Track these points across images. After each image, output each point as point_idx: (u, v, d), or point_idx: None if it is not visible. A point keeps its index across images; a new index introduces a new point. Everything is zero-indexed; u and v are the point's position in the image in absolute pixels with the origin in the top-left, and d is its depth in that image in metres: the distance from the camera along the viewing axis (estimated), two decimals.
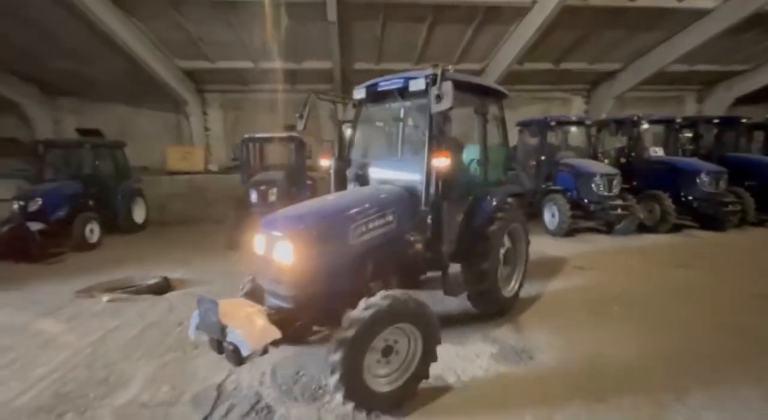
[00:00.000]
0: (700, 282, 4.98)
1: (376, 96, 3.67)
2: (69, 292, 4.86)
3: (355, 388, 2.28)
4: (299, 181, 7.96)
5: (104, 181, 8.48)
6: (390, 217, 3.01)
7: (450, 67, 3.29)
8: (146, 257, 6.87)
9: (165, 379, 2.89)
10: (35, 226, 6.68)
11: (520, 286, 4.11)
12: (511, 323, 3.79)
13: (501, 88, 4.12)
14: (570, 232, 7.48)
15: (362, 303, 2.36)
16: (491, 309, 3.76)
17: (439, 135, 3.10)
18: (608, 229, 7.80)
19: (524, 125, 9.15)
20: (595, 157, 8.46)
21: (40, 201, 6.95)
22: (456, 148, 3.82)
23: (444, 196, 3.16)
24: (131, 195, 9.06)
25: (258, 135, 8.14)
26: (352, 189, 3.66)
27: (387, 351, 2.50)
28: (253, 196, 7.01)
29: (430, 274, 3.56)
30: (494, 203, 3.66)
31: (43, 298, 4.70)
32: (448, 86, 2.68)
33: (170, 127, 12.91)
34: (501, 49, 10.77)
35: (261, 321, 2.36)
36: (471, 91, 3.64)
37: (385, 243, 2.96)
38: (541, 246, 6.92)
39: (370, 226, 2.86)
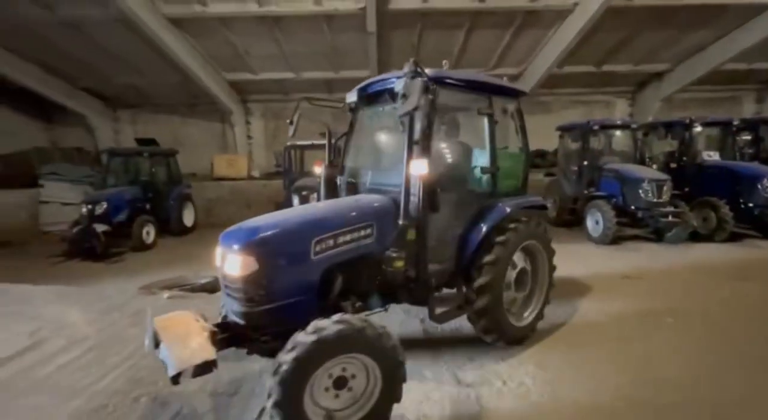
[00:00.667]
0: (762, 297, 4.67)
1: (369, 99, 3.42)
2: (132, 288, 5.28)
3: (292, 418, 2.01)
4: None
5: (159, 187, 9.11)
6: (368, 231, 2.74)
7: (445, 63, 3.18)
8: (196, 258, 7.30)
9: (225, 371, 3.09)
10: (100, 227, 7.29)
11: (538, 315, 3.56)
12: (530, 351, 3.34)
13: (515, 85, 3.68)
14: (615, 240, 7.19)
15: (311, 325, 2.07)
16: (497, 337, 3.25)
17: (424, 138, 2.71)
18: (657, 237, 7.43)
19: (565, 130, 8.93)
20: (642, 162, 8.10)
21: (105, 205, 7.58)
22: (460, 153, 3.52)
23: (431, 207, 2.81)
24: (182, 199, 9.66)
25: (299, 142, 8.48)
26: (333, 199, 3.40)
27: (341, 383, 2.18)
28: (295, 201, 7.30)
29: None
30: (502, 213, 3.22)
31: (109, 294, 5.11)
32: (414, 84, 2.45)
33: (216, 135, 13.68)
34: (540, 53, 10.61)
35: (197, 340, 2.20)
36: (471, 89, 3.26)
37: (360, 259, 2.73)
38: (583, 254, 6.73)
39: (340, 240, 2.61)
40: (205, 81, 10.63)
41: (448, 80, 3.05)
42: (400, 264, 2.67)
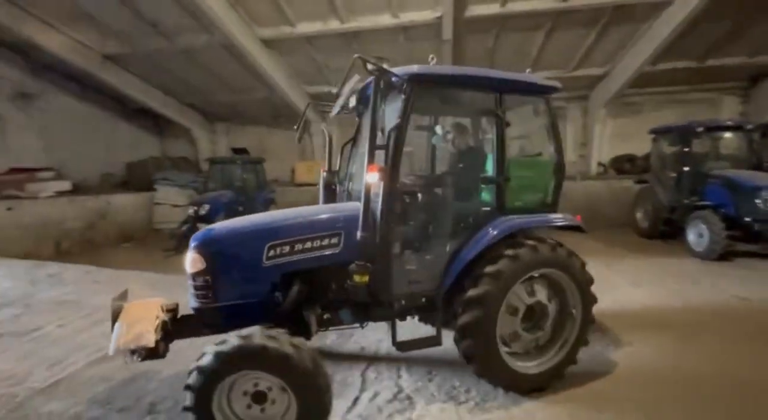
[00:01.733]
0: None
1: (368, 100, 3.12)
2: None
3: None
4: None
5: (249, 191, 10.09)
6: (334, 240, 2.59)
7: (432, 57, 2.78)
8: None
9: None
10: (203, 227, 8.29)
11: (568, 360, 2.87)
12: (546, 402, 2.70)
13: (541, 80, 3.05)
14: (724, 256, 6.37)
15: (223, 337, 2.08)
16: (494, 381, 2.79)
17: (393, 143, 2.50)
18: None
19: (661, 132, 8.15)
20: (758, 168, 7.09)
21: (207, 207, 8.61)
22: (470, 161, 3.23)
23: (400, 219, 2.62)
24: (267, 203, 10.58)
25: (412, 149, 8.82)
26: (311, 206, 3.20)
27: (260, 397, 2.12)
28: None
29: None
30: (488, 236, 2.67)
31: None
32: (350, 83, 2.34)
33: (297, 144, 14.73)
34: (629, 51, 9.81)
35: (143, 326, 2.31)
36: (468, 87, 2.92)
37: (326, 268, 2.63)
38: (683, 270, 6.07)
39: (299, 247, 2.53)
40: (290, 95, 11.54)
41: (430, 78, 2.71)
42: (360, 278, 2.45)
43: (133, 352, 2.28)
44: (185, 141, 14.74)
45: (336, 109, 3.03)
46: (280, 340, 2.06)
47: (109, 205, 10.29)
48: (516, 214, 2.83)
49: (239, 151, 10.93)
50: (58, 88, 11.36)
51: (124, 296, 2.67)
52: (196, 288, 2.45)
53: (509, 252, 2.62)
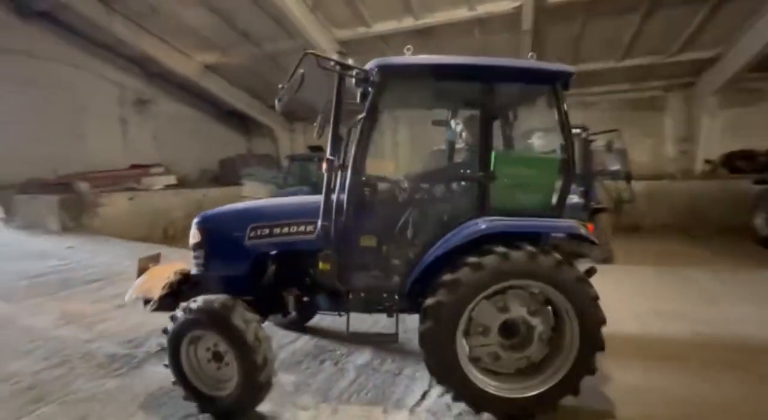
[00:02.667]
0: None
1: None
2: None
3: (179, 378, 2.49)
4: None
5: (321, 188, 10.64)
6: (310, 227, 2.61)
7: (409, 48, 2.56)
8: None
9: (389, 355, 3.44)
10: None
11: (559, 390, 2.43)
12: None
13: (545, 65, 2.62)
14: None
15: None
16: (458, 399, 2.47)
17: (358, 136, 2.57)
18: None
19: None
20: None
21: None
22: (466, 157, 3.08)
23: (361, 212, 2.59)
24: None
25: (445, 147, 8.70)
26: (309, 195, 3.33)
27: (218, 357, 2.45)
28: None
29: None
30: (465, 234, 2.41)
31: None
32: (296, 77, 2.40)
33: (373, 141, 15.14)
34: (751, 29, 8.38)
35: (154, 283, 2.76)
36: (453, 77, 2.70)
37: (300, 253, 2.74)
38: None
39: (277, 231, 2.70)
40: None
41: (399, 69, 2.57)
42: (323, 265, 2.53)
43: (146, 302, 2.74)
44: (268, 140, 15.99)
45: (279, 106, 2.89)
46: (234, 310, 2.37)
47: (205, 197, 11.58)
48: (506, 217, 2.46)
49: (315, 148, 11.52)
50: (166, 94, 13.07)
51: (154, 259, 3.16)
52: (194, 258, 2.85)
53: (472, 259, 2.32)
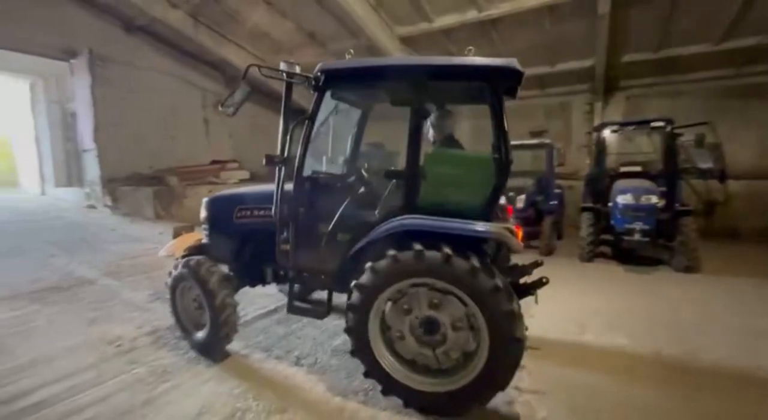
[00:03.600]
0: None
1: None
2: None
3: (175, 318, 3.40)
4: (547, 189, 7.68)
5: None
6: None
7: (350, 52, 2.79)
8: None
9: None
10: None
11: (480, 383, 2.38)
12: None
13: (485, 61, 2.56)
14: None
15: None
16: (369, 376, 2.65)
17: (303, 135, 2.93)
18: None
19: None
20: None
21: None
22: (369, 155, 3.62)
23: (302, 202, 2.93)
24: None
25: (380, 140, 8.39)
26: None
27: (200, 303, 3.20)
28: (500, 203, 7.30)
29: None
30: (380, 232, 2.55)
31: None
32: (240, 90, 2.75)
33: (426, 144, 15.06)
34: None
35: (180, 245, 3.70)
36: (386, 77, 2.84)
37: (270, 234, 3.08)
38: None
39: (255, 213, 3.19)
40: None
41: (336, 73, 2.85)
42: (281, 247, 3.02)
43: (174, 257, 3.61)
44: None
45: (231, 110, 2.94)
46: (203, 265, 3.14)
47: None
48: (433, 215, 2.47)
49: (375, 145, 11.79)
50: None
51: (187, 228, 4.26)
52: (203, 230, 3.50)
53: (391, 252, 2.45)
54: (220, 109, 2.98)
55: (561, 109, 11.99)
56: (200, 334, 3.20)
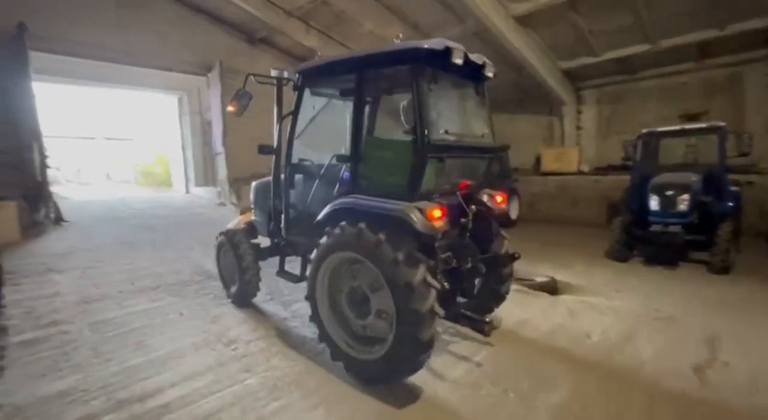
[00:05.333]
0: None
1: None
2: None
3: (219, 273, 4.56)
4: (720, 186, 5.90)
5: (492, 181, 9.86)
6: None
7: (399, 35, 3.03)
8: (522, 251, 7.34)
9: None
10: None
11: (392, 360, 2.59)
12: None
13: (403, 45, 2.72)
14: None
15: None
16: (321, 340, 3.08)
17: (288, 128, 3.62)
18: None
19: None
20: None
21: None
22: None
23: (290, 185, 3.65)
24: (510, 193, 10.09)
25: (662, 128, 6.72)
26: None
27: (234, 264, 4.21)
28: (654, 203, 5.84)
29: None
30: (327, 210, 2.97)
31: None
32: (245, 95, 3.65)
33: (543, 128, 13.44)
34: None
35: (240, 221, 4.60)
36: (341, 71, 3.12)
37: None
38: None
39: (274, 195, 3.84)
40: (542, 74, 10.49)
41: (308, 71, 3.39)
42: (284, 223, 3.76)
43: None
44: None
45: (234, 109, 3.77)
46: (235, 234, 4.20)
47: None
48: (372, 196, 2.79)
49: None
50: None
51: (249, 209, 4.55)
52: (252, 209, 4.43)
53: (328, 229, 2.87)
54: (228, 110, 3.77)
55: (728, 84, 9.45)
56: (233, 288, 4.25)
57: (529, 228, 10.09)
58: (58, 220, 8.28)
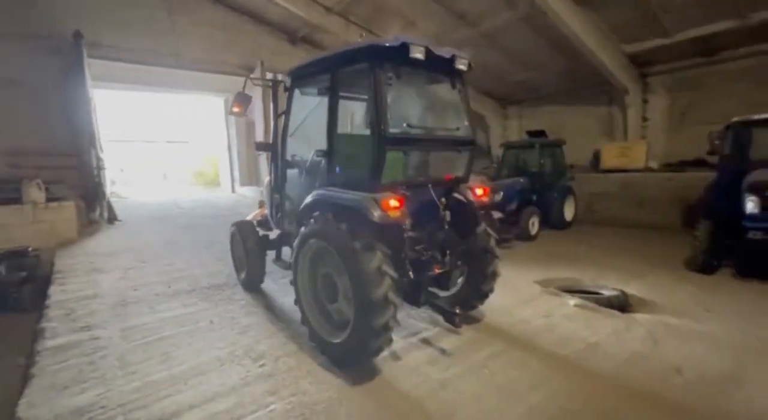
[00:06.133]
0: None
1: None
2: (529, 279, 5.18)
3: (233, 259, 5.07)
4: None
5: (545, 178, 9.04)
6: None
7: (362, 34, 3.86)
8: (576, 255, 6.57)
9: None
10: (496, 214, 8.01)
11: (353, 344, 2.80)
12: None
13: (365, 42, 2.89)
14: None
15: None
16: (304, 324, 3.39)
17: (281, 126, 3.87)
18: None
19: None
20: None
21: (501, 194, 8.27)
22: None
23: (283, 178, 3.95)
24: (565, 192, 9.20)
25: (757, 116, 5.64)
26: None
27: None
28: (750, 205, 4.87)
29: None
30: (308, 201, 3.21)
31: (513, 282, 5.18)
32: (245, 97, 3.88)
33: (600, 121, 12.25)
34: None
35: (257, 214, 4.94)
36: (319, 71, 3.31)
37: None
38: None
39: None
40: (601, 59, 9.45)
41: (295, 73, 3.64)
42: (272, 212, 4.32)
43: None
44: (478, 128, 15.29)
45: (239, 110, 3.91)
46: (243, 225, 4.68)
47: None
48: (343, 188, 2.94)
49: (536, 133, 9.97)
50: None
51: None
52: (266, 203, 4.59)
53: (306, 220, 3.15)
54: (234, 111, 3.90)
55: None
56: (243, 274, 4.63)
57: (586, 231, 9.16)
58: (112, 219, 8.65)
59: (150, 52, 10.24)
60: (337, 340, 2.91)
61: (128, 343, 3.38)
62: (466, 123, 3.34)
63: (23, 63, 8.45)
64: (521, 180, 8.88)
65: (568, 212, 9.32)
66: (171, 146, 25.30)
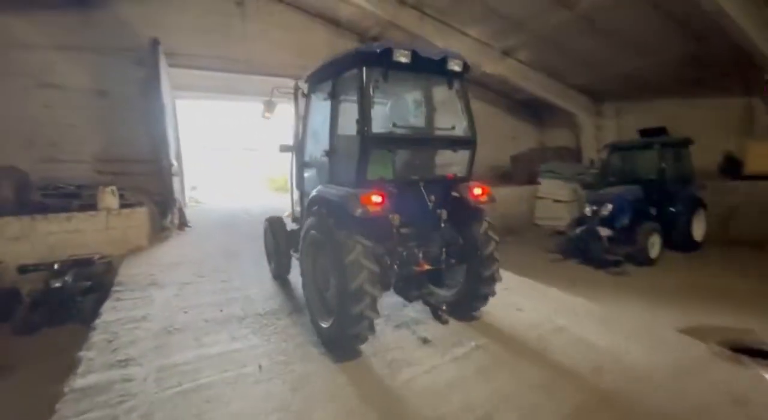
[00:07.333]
0: None
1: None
2: (666, 324, 3.79)
3: (266, 247, 5.47)
4: None
5: (666, 187, 7.24)
6: None
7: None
8: (725, 293, 4.90)
9: None
10: (605, 232, 6.48)
11: (337, 329, 3.03)
12: None
13: (354, 50, 3.09)
14: None
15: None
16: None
17: (300, 128, 4.29)
18: None
19: None
20: None
21: (610, 206, 6.71)
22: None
23: (301, 176, 4.27)
24: (694, 204, 7.30)
25: None
26: None
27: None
28: None
29: None
30: (310, 196, 3.54)
31: (649, 328, 3.80)
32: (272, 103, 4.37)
33: (733, 116, 9.85)
34: None
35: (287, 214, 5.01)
36: (328, 77, 3.49)
37: None
38: None
39: None
40: (744, 30, 7.35)
41: (310, 78, 3.93)
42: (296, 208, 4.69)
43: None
44: (564, 129, 13.41)
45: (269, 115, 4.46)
46: (273, 221, 5.07)
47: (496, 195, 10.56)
48: (340, 185, 3.18)
49: (652, 132, 8.15)
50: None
51: None
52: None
53: (309, 214, 3.44)
54: (265, 116, 4.46)
55: None
56: (273, 265, 5.07)
57: (724, 254, 7.17)
58: (182, 225, 8.66)
59: (224, 58, 10.31)
60: (326, 325, 3.17)
61: (161, 391, 2.74)
62: (465, 122, 3.47)
63: (112, 74, 8.87)
64: (634, 188, 7.20)
65: (698, 230, 7.39)
66: (248, 153, 26.59)
